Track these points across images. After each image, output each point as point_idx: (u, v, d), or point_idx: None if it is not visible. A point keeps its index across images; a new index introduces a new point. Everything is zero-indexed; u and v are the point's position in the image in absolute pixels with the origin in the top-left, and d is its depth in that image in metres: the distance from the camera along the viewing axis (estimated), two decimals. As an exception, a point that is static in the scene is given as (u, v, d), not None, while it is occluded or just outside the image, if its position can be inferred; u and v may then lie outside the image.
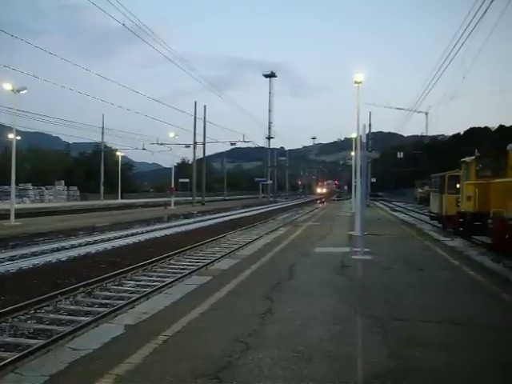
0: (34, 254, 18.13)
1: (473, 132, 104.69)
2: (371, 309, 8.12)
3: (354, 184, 38.67)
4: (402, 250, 16.84)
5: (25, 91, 30.64)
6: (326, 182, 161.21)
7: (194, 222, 35.96)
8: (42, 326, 9.35)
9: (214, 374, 5.26)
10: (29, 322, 9.68)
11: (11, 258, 17.12)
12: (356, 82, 23.55)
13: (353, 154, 40.65)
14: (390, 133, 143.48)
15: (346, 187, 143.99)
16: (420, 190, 67.67)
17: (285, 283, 10.58)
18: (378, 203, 74.70)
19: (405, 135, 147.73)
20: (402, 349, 6.18)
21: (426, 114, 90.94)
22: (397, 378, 5.31)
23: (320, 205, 73.27)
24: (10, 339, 8.51)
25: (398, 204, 72.21)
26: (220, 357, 5.80)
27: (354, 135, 36.70)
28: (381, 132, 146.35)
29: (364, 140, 20.95)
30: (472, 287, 10.64)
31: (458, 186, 22.31)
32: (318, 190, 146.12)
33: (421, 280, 11.26)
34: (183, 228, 30.68)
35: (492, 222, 15.96)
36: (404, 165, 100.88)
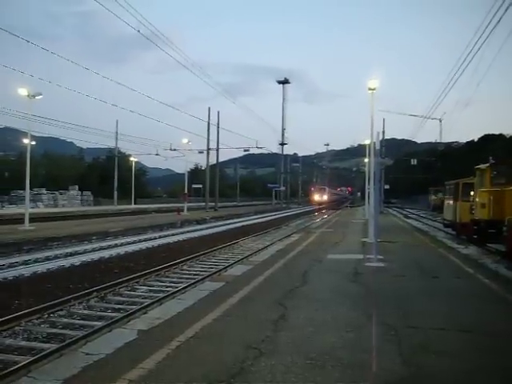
0: (47, 259, 18.23)
1: (487, 139, 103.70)
2: (384, 316, 8.08)
3: (367, 191, 38.53)
4: (416, 257, 16.76)
5: (40, 96, 30.84)
6: (339, 189, 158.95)
7: (207, 228, 35.96)
8: (55, 331, 9.38)
9: (226, 380, 5.26)
10: (42, 326, 9.72)
11: (25, 262, 17.21)
12: (370, 89, 23.56)
13: (366, 160, 40.55)
14: (403, 139, 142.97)
15: (359, 194, 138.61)
16: (434, 197, 67.30)
17: (298, 290, 10.56)
18: (391, 210, 74.36)
19: (418, 142, 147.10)
20: (416, 356, 6.14)
21: (440, 120, 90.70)
22: (409, 385, 5.30)
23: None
24: (23, 343, 8.55)
25: (411, 211, 71.86)
26: (233, 363, 5.80)
27: (367, 142, 36.64)
28: (394, 139, 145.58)
29: (378, 147, 20.88)
30: (486, 295, 10.56)
31: (472, 193, 22.19)
32: (316, 198, 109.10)
33: (434, 288, 11.20)
34: (196, 234, 30.69)
35: (506, 229, 15.83)
36: (418, 172, 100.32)
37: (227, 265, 17.11)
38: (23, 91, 29.97)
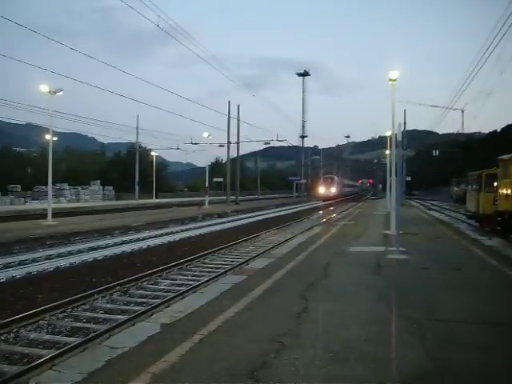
0: (70, 253, 18.38)
1: (511, 129, 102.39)
2: (408, 309, 8.02)
3: (388, 183, 38.28)
4: (439, 249, 16.62)
5: (61, 92, 31.10)
6: (360, 181, 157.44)
7: (228, 221, 36.00)
8: (79, 324, 9.45)
9: (249, 373, 5.26)
10: (66, 320, 9.80)
11: (48, 257, 17.37)
12: (390, 80, 23.31)
13: (387, 152, 40.23)
14: (424, 130, 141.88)
15: (380, 186, 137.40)
16: (456, 189, 66.72)
17: (320, 282, 10.53)
18: (413, 202, 73.78)
19: (440, 133, 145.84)
20: (440, 350, 6.08)
21: (462, 111, 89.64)
22: (434, 379, 5.26)
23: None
24: (48, 337, 8.63)
25: (433, 203, 71.31)
26: (255, 356, 5.80)
27: (388, 133, 36.33)
28: (415, 130, 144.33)
29: (399, 138, 20.68)
30: (511, 287, 10.45)
31: (495, 184, 21.94)
32: (322, 191, 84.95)
33: (458, 280, 11.09)
34: (217, 227, 30.73)
35: None
36: (440, 163, 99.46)
37: (249, 258, 17.11)
38: (44, 87, 30.26)
